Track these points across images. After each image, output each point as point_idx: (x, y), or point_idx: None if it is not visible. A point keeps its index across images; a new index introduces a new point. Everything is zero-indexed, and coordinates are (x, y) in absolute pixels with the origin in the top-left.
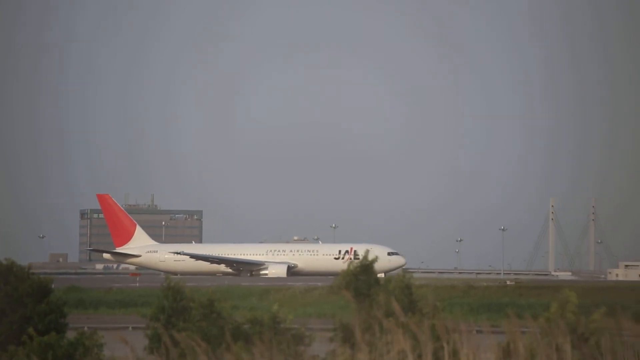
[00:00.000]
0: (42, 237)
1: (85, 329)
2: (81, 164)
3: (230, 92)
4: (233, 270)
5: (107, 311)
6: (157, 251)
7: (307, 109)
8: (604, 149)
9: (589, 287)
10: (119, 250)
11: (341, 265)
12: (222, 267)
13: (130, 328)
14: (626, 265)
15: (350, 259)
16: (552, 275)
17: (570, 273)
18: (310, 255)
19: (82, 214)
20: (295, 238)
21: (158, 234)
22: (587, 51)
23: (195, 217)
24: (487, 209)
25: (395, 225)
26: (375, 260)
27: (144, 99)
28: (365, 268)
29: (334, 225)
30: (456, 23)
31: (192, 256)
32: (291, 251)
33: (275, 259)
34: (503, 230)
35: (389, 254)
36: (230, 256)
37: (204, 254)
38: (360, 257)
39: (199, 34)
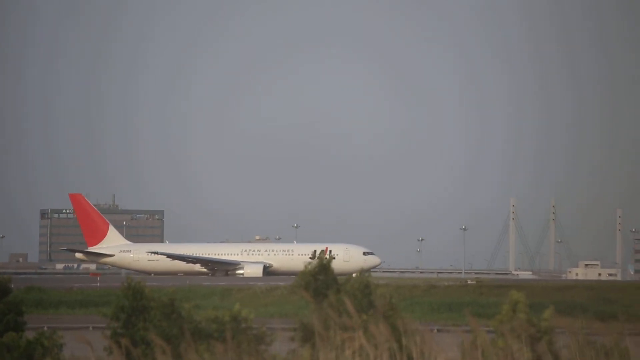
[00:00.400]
0: (2, 237)
1: (45, 328)
2: (41, 164)
3: (210, 92)
4: (208, 270)
5: (67, 311)
6: (130, 251)
7: (283, 109)
8: (564, 150)
9: (548, 287)
10: (91, 249)
11: None
12: (197, 267)
13: (90, 328)
14: (586, 265)
15: (326, 258)
16: (513, 274)
17: (530, 272)
18: (286, 255)
19: (43, 214)
20: (257, 237)
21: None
22: (551, 53)
23: (157, 217)
24: (449, 208)
25: (360, 225)
26: (332, 259)
27: (103, 98)
28: (323, 268)
29: (295, 225)
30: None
31: (169, 256)
32: (266, 251)
33: (250, 258)
34: (464, 229)
35: (364, 253)
36: (206, 256)
37: (181, 253)
38: (336, 256)
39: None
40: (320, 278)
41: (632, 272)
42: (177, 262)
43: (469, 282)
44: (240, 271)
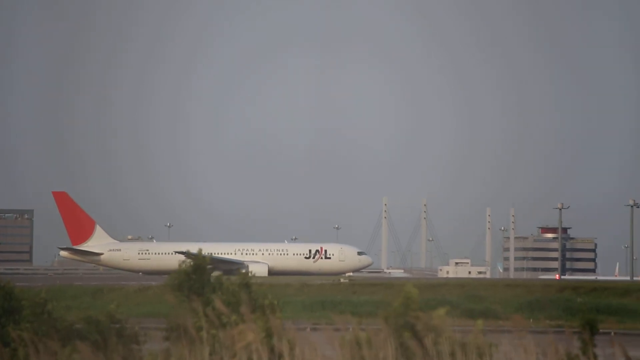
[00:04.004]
0: None
1: None
2: None
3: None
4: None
5: None
6: (120, 249)
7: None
8: (435, 150)
9: (420, 284)
10: (79, 247)
11: (312, 264)
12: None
13: None
14: (456, 263)
15: (321, 258)
16: (385, 272)
17: (402, 270)
18: (280, 255)
19: None
20: (130, 237)
21: None
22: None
23: (26, 216)
24: (323, 207)
25: (225, 224)
26: (208, 258)
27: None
28: (198, 267)
29: (168, 225)
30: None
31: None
32: (260, 250)
33: (245, 258)
34: (337, 228)
35: (358, 253)
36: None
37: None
38: (331, 256)
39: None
40: (194, 277)
41: (501, 270)
42: (169, 260)
43: (342, 280)
44: (243, 271)
